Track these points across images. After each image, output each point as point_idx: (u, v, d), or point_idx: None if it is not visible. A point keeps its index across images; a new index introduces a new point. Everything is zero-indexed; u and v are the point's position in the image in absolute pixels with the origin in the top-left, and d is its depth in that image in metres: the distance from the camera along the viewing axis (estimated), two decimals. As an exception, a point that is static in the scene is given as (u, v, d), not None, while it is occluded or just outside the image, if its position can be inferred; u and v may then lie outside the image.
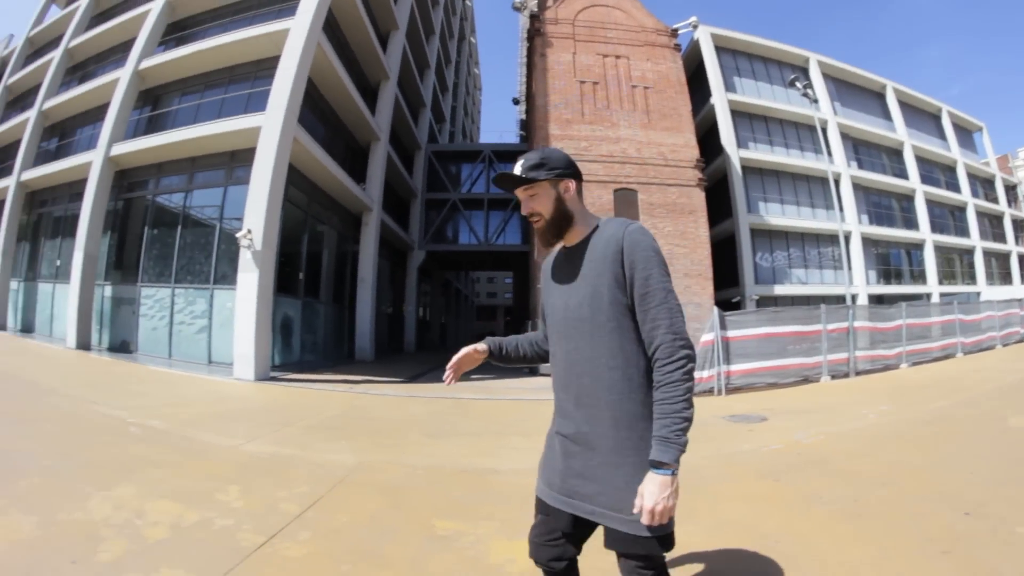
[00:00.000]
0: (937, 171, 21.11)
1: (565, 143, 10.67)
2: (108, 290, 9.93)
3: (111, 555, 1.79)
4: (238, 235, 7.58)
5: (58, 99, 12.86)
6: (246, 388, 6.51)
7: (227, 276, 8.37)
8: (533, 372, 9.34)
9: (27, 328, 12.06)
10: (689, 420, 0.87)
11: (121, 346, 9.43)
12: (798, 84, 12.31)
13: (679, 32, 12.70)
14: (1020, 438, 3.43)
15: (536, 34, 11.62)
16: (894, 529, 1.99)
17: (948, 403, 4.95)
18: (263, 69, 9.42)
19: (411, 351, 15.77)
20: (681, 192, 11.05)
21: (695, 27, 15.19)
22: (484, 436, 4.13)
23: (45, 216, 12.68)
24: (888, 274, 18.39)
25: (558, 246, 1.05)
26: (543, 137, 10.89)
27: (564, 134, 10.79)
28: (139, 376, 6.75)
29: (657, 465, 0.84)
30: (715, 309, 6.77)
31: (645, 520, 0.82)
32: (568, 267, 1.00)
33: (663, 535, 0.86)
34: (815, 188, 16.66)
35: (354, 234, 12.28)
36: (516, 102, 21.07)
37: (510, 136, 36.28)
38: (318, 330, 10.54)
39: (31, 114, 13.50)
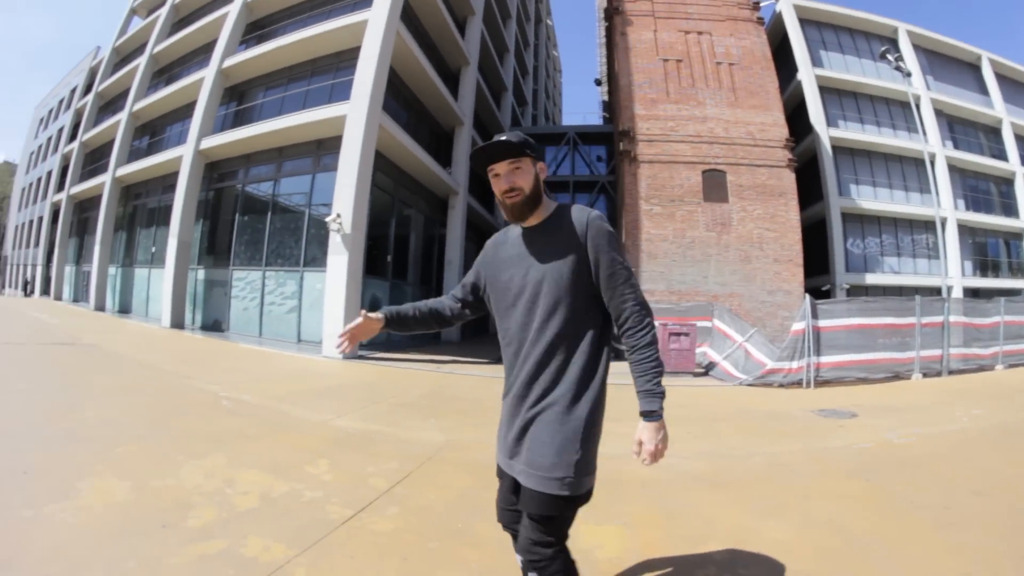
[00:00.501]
0: None
1: (651, 123, 10.16)
2: (201, 273, 10.36)
3: (200, 521, 1.78)
4: (328, 219, 7.63)
5: (146, 101, 13.69)
6: (335, 366, 6.51)
7: (317, 259, 8.47)
8: (618, 357, 8.87)
9: (124, 310, 12.88)
10: (661, 372, 1.01)
11: (213, 325, 9.80)
12: (889, 56, 11.17)
13: (761, 5, 11.84)
14: None
15: (615, 13, 11.14)
16: (987, 542, 1.85)
17: None
18: (344, 60, 9.52)
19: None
20: (771, 173, 10.24)
21: (780, -1, 14.21)
22: None
23: (140, 207, 13.52)
24: (985, 266, 16.45)
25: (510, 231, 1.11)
26: (628, 117, 10.41)
27: (649, 114, 10.27)
28: (231, 353, 6.92)
29: (648, 415, 0.99)
30: (807, 297, 6.37)
31: (648, 461, 0.98)
32: (530, 246, 1.03)
33: (580, 494, 0.95)
34: (908, 169, 15.09)
35: (440, 217, 12.32)
36: (598, 83, 20.60)
37: (593, 118, 35.80)
38: None
39: (122, 116, 14.47)
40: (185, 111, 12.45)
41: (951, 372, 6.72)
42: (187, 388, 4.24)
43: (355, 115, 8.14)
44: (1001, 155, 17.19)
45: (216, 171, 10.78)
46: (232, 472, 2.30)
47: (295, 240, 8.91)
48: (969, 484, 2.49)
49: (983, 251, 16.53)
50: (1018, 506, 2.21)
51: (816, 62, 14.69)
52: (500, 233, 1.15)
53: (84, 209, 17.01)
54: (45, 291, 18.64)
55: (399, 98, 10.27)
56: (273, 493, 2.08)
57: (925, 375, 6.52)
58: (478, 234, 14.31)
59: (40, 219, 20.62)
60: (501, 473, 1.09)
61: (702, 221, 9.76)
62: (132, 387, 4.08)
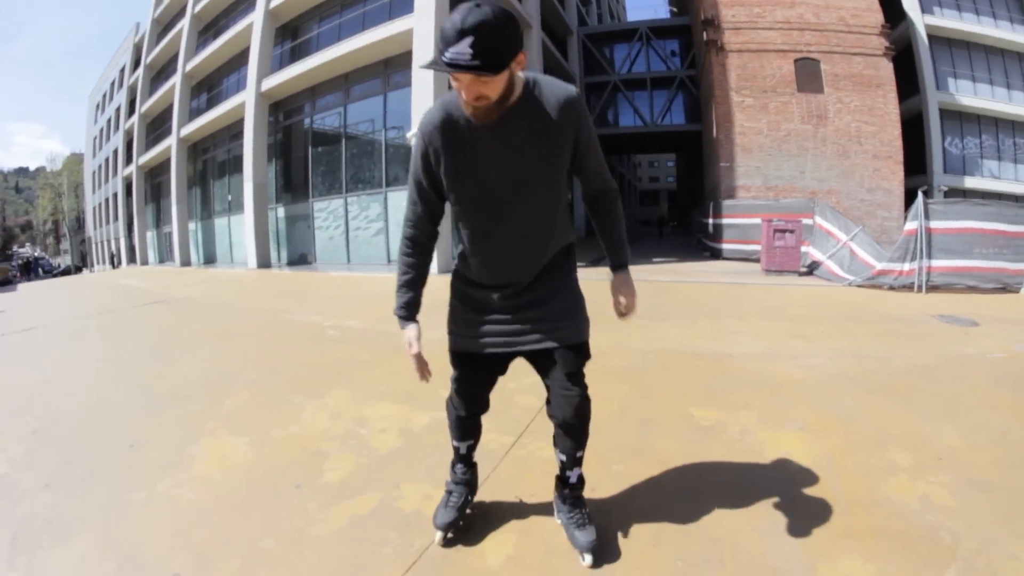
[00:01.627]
0: None
1: (736, 10, 9.21)
2: (281, 211, 10.62)
3: (339, 473, 1.51)
4: (408, 134, 7.48)
5: (197, 59, 13.72)
6: (434, 281, 6.47)
7: (399, 178, 8.41)
8: (715, 256, 8.56)
9: (209, 260, 13.57)
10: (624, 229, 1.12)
11: (300, 259, 10.11)
12: None
13: None
14: None
15: None
16: None
17: None
18: None
19: (581, 236, 15.57)
20: (867, 62, 9.15)
21: None
22: (699, 319, 3.86)
23: (209, 161, 13.89)
24: None
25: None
26: (711, 4, 9.46)
27: (734, 0, 9.26)
28: (323, 282, 6.92)
29: (623, 266, 1.08)
30: (920, 195, 5.91)
31: (632, 312, 1.08)
32: (505, 132, 0.89)
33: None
34: (1011, 65, 13.18)
35: None
36: None
37: (660, 11, 34.24)
38: None
39: (176, 79, 14.64)
40: (239, 60, 12.40)
41: None
42: (288, 324, 3.98)
43: (423, 25, 7.76)
44: None
45: (281, 110, 10.78)
46: (360, 408, 2.04)
47: (374, 163, 8.86)
48: None
49: None
50: None
51: None
52: (440, 111, 0.91)
53: (155, 175, 17.73)
54: (131, 259, 19.94)
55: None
56: (414, 427, 1.82)
57: None
58: None
59: (115, 195, 21.77)
60: (481, 361, 1.07)
61: (797, 113, 8.94)
62: (231, 332, 3.82)
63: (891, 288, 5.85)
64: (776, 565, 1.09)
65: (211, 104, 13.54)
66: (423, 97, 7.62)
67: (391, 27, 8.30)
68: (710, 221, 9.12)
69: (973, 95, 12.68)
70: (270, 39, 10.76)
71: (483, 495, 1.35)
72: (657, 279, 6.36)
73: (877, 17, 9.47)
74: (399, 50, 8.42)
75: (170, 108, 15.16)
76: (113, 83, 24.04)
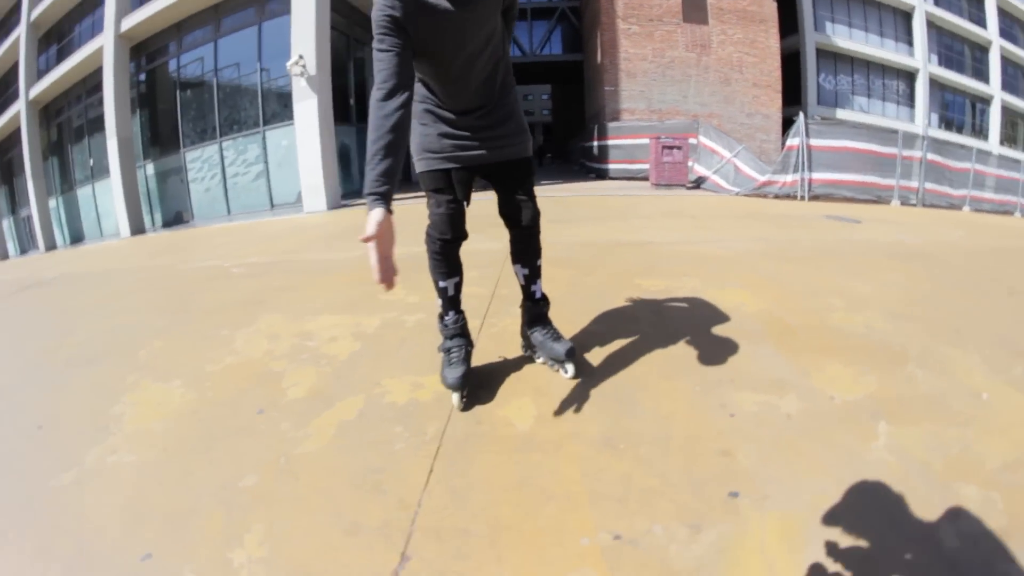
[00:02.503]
0: (1018, 29, 18.61)
1: None
2: (150, 168, 9.48)
3: (303, 387, 1.34)
4: (288, 64, 6.91)
5: (44, 3, 11.77)
6: (324, 217, 6.12)
7: (277, 114, 7.76)
8: (600, 176, 8.82)
9: (77, 239, 11.90)
10: None
11: (176, 218, 9.12)
12: None
13: None
14: None
15: None
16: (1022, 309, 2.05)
17: (1021, 243, 4.69)
18: None
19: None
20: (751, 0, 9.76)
21: None
22: (608, 221, 4.02)
23: (64, 124, 12.09)
24: (949, 122, 16.88)
25: None
26: None
27: None
28: (208, 235, 6.23)
29: None
30: (800, 115, 6.63)
31: None
32: None
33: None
34: (885, 17, 14.84)
35: None
36: None
37: None
38: None
39: (20, 31, 12.48)
40: (92, 1, 10.79)
41: (925, 205, 7.13)
42: (183, 273, 3.54)
43: None
44: (980, 22, 17.07)
45: (143, 52, 9.53)
46: (299, 325, 1.81)
47: (249, 101, 8.10)
48: (982, 272, 2.72)
49: (950, 108, 16.91)
50: None
51: None
52: None
53: (4, 151, 15.15)
54: (-14, 255, 17.05)
55: None
56: (367, 330, 1.68)
57: (902, 203, 6.91)
58: None
59: (-42, 182, 18.40)
60: (454, 178, 1.18)
61: (681, 42, 9.39)
62: (121, 292, 3.27)
63: (776, 197, 6.47)
64: (779, 376, 1.29)
65: (62, 56, 11.71)
66: (304, 24, 7.06)
67: None
68: (595, 144, 9.38)
69: (848, 39, 14.13)
70: None
71: (475, 365, 1.32)
72: (553, 196, 6.42)
73: (760, -42, 10.10)
74: None
75: (15, 68, 12.92)
76: (-52, 49, 20.15)
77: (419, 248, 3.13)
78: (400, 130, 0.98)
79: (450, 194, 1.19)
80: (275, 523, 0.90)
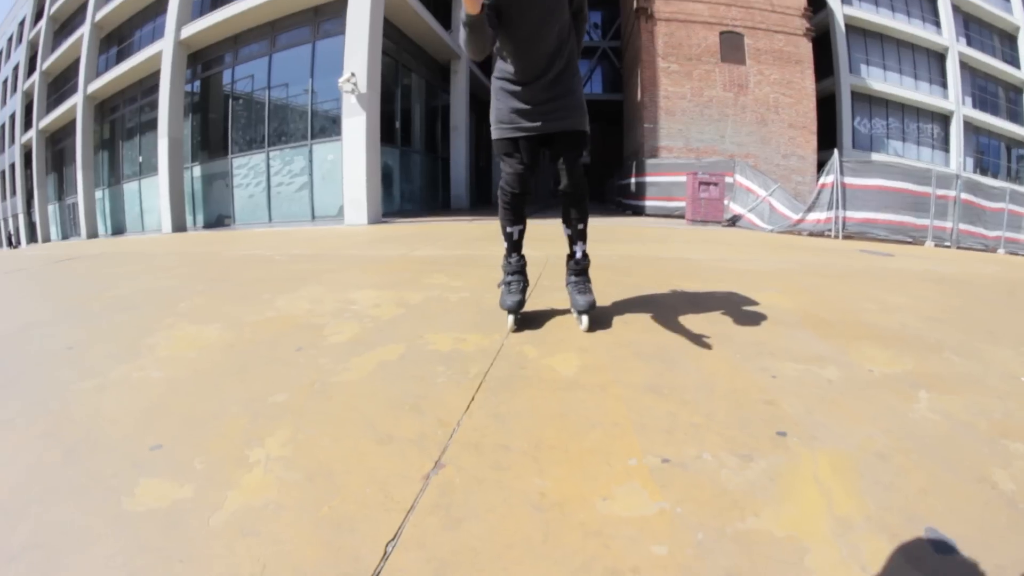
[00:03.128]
0: None
1: None
2: (197, 170, 9.89)
3: (344, 336, 1.36)
4: (340, 81, 7.20)
5: (109, 6, 12.49)
6: (365, 229, 6.28)
7: (325, 129, 8.08)
8: (637, 213, 8.86)
9: (118, 230, 12.40)
10: None
11: (217, 221, 9.47)
12: None
13: None
14: None
15: None
16: None
17: None
18: None
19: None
20: (788, 40, 9.92)
21: None
22: (647, 243, 4.13)
23: (118, 121, 12.69)
24: (984, 167, 16.62)
25: None
26: None
27: None
28: (249, 236, 6.48)
29: None
30: (835, 152, 6.64)
31: None
32: None
33: None
34: (919, 58, 14.85)
35: (442, 84, 11.87)
36: None
37: None
38: (415, 179, 10.37)
39: (84, 30, 13.26)
40: (155, 8, 11.39)
41: (959, 247, 7.04)
42: (227, 258, 3.55)
43: None
44: (1014, 62, 16.89)
45: (200, 60, 10.04)
46: (343, 294, 1.84)
47: (299, 115, 8.45)
48: (1019, 295, 2.77)
49: (984, 150, 16.66)
50: None
51: None
52: None
53: (57, 140, 15.97)
54: (32, 238, 17.85)
55: None
56: (411, 302, 1.71)
57: (936, 244, 6.86)
58: (480, 105, 13.55)
59: (11, 166, 19.39)
60: (519, 146, 1.41)
61: (719, 81, 9.54)
62: (162, 267, 3.32)
63: (810, 234, 6.53)
64: (818, 352, 1.32)
65: (121, 58, 12.37)
66: (357, 43, 7.37)
67: None
68: (632, 180, 9.49)
69: (883, 81, 14.10)
70: None
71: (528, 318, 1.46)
72: (591, 225, 6.56)
73: (800, 1, 10.26)
74: None
75: (76, 64, 13.71)
76: (11, 39, 21.40)
77: (461, 252, 3.21)
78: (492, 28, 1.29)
79: (518, 157, 1.43)
80: (301, 430, 0.87)
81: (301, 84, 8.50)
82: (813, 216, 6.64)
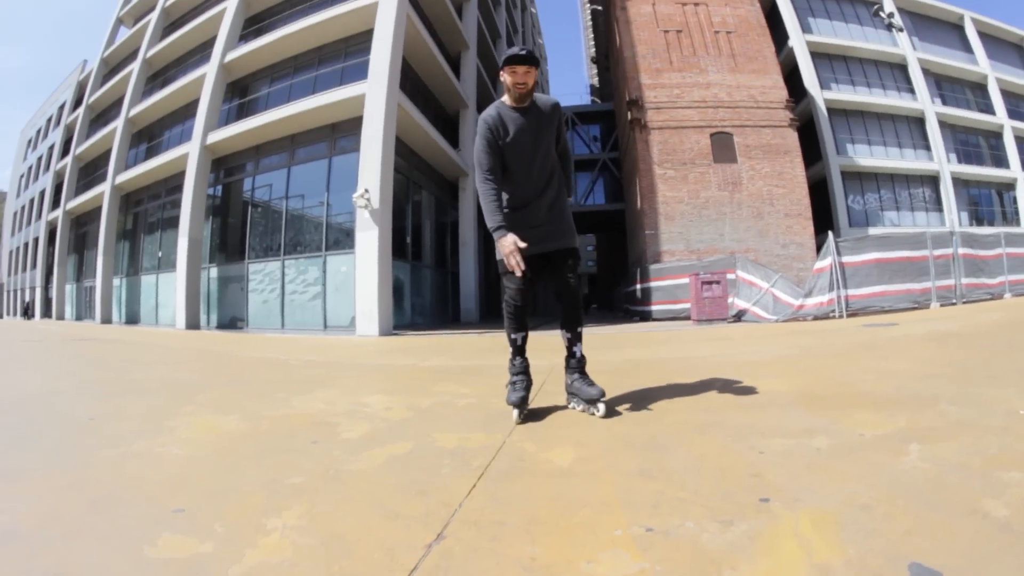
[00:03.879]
0: None
1: (657, 91, 10.40)
2: (214, 272, 10.19)
3: (356, 433, 1.47)
4: (354, 196, 7.57)
5: (143, 105, 13.48)
6: (376, 340, 6.36)
7: (339, 242, 8.39)
8: (644, 319, 8.93)
9: (132, 320, 12.61)
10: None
11: (230, 323, 9.63)
12: (881, 14, 11.37)
13: (750, -26, 12.06)
14: None
15: None
16: None
17: None
18: (352, 45, 9.50)
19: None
20: (775, 133, 10.44)
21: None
22: (652, 346, 4.27)
23: (141, 215, 13.28)
24: (979, 215, 16.92)
25: (496, 111, 1.66)
26: (635, 87, 10.58)
27: (655, 83, 10.49)
28: (263, 340, 6.65)
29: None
30: (830, 234, 6.83)
31: None
32: (528, 120, 1.64)
33: None
34: (900, 127, 15.54)
35: (451, 200, 12.38)
36: (595, 61, 21.41)
37: (577, 99, 38.55)
38: (426, 293, 10.58)
39: (118, 123, 14.24)
40: (184, 112, 12.30)
41: (965, 302, 7.11)
42: (242, 359, 3.77)
43: (375, 91, 8.11)
44: (988, 109, 17.68)
45: (223, 166, 10.65)
46: (355, 398, 1.98)
47: (314, 227, 8.81)
48: (1021, 338, 2.93)
49: (976, 201, 17.05)
50: None
51: (805, 28, 15.05)
52: (492, 114, 1.63)
53: (82, 224, 16.66)
54: (47, 313, 18.20)
55: (407, 80, 10.27)
56: (421, 405, 1.84)
57: (942, 304, 6.94)
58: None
59: (36, 240, 20.15)
60: (526, 263, 1.56)
61: (714, 182, 9.94)
62: (177, 360, 3.55)
63: (815, 318, 6.54)
64: (808, 426, 1.36)
65: (150, 154, 13.18)
66: (371, 161, 7.79)
67: (344, 91, 8.57)
68: (637, 287, 9.64)
69: (869, 156, 14.66)
70: (220, 93, 10.80)
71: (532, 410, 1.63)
72: (599, 333, 6.57)
73: (782, 94, 10.92)
74: (348, 115, 8.69)
75: (107, 153, 14.59)
76: (50, 120, 22.96)
77: (469, 362, 3.30)
78: (500, 199, 1.60)
79: (522, 277, 1.59)
80: (316, 506, 0.95)
81: (317, 196, 8.94)
82: (815, 300, 6.69)
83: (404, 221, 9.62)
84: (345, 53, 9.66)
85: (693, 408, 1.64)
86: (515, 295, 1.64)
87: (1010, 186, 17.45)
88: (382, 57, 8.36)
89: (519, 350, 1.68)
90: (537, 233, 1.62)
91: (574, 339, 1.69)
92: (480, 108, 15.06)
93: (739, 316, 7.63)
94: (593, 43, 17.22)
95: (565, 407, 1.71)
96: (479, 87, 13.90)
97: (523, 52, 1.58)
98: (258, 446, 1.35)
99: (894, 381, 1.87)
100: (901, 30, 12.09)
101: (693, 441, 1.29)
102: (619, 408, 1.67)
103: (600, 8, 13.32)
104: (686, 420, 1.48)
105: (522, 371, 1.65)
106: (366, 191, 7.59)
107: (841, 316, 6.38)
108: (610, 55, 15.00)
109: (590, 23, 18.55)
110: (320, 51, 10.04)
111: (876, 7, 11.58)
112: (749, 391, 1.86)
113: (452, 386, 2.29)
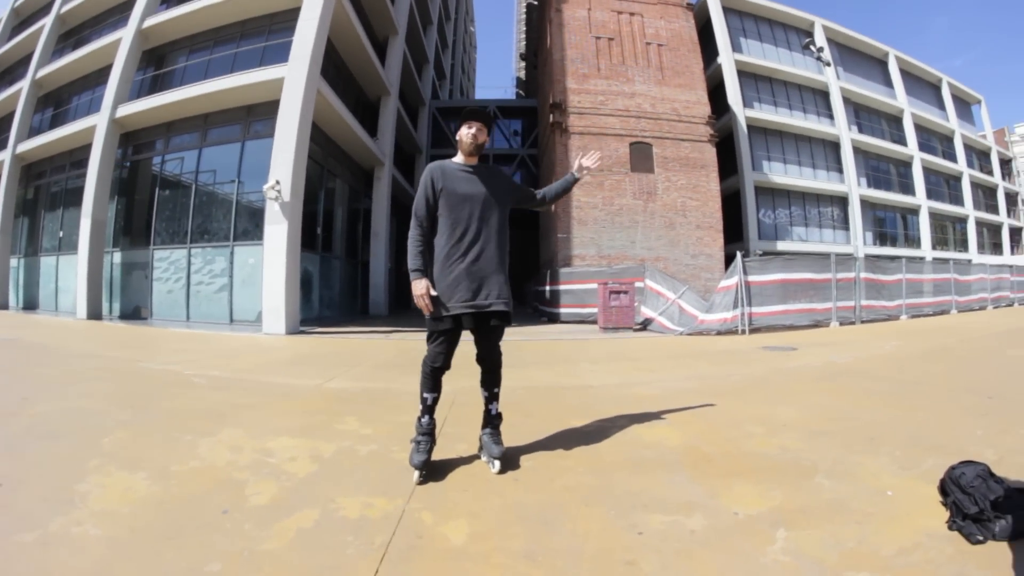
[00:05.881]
0: (935, 140, 21.25)
1: (582, 96, 10.41)
2: (117, 257, 9.37)
3: (265, 496, 1.46)
4: (265, 187, 7.15)
5: (52, 67, 11.98)
6: (283, 340, 6.12)
7: (248, 232, 7.92)
8: (552, 320, 9.14)
9: (30, 305, 11.42)
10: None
11: (134, 312, 8.94)
12: (812, 47, 11.95)
13: (689, -10, 12.29)
14: (1018, 361, 3.96)
15: None
16: (938, 406, 2.48)
17: (952, 341, 5.49)
18: (278, 22, 8.85)
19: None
20: (694, 147, 10.82)
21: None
22: (555, 364, 4.21)
23: (43, 188, 11.92)
24: (884, 237, 18.62)
25: (454, 162, 1.75)
26: (560, 90, 10.55)
27: (581, 88, 10.50)
28: (166, 337, 6.28)
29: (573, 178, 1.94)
30: (738, 255, 7.09)
31: (595, 160, 1.93)
32: (475, 178, 1.71)
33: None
34: (816, 149, 16.68)
35: (366, 189, 11.95)
36: (523, 58, 21.19)
37: (502, 93, 37.83)
38: (335, 285, 10.25)
39: (23, 84, 12.59)
40: (96, 78, 11.04)
41: (863, 322, 7.65)
42: (144, 371, 3.62)
43: (294, 77, 7.62)
44: (901, 141, 19.42)
45: (132, 142, 9.71)
46: (260, 442, 1.95)
47: (223, 214, 8.26)
48: (909, 380, 3.17)
49: (882, 224, 18.75)
50: (951, 388, 2.96)
51: (736, 48, 15.65)
52: (438, 166, 1.70)
53: (-22, 195, 14.73)
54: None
55: (330, 64, 9.68)
56: (324, 454, 1.82)
57: (842, 323, 7.42)
58: (400, 209, 13.97)
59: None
60: (452, 323, 1.64)
61: (629, 190, 10.19)
62: (82, 376, 3.33)
63: (718, 333, 6.68)
64: (689, 499, 1.42)
65: (55, 123, 11.78)
66: (284, 151, 7.36)
67: (263, 73, 7.97)
68: (547, 288, 9.74)
69: (784, 174, 15.61)
70: (135, 61, 9.73)
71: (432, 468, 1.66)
72: (506, 339, 6.65)
73: (706, 110, 11.30)
74: (265, 98, 8.11)
75: (9, 117, 12.89)
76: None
77: (372, 384, 3.25)
78: (427, 250, 1.66)
79: (444, 336, 1.65)
80: None
81: (227, 182, 8.36)
82: (720, 316, 6.86)
83: (316, 207, 9.22)
84: (269, 30, 8.99)
85: (585, 467, 1.68)
86: (434, 357, 1.65)
87: (915, 211, 19.33)
88: (306, 39, 7.86)
89: (428, 410, 1.67)
90: (468, 289, 1.61)
91: (491, 398, 1.73)
92: (404, 96, 14.47)
93: (645, 325, 7.82)
94: (524, 38, 17.14)
95: (463, 457, 1.79)
96: (404, 74, 13.41)
97: (482, 109, 1.73)
98: (173, 519, 1.33)
99: (780, 438, 1.95)
100: (829, 64, 12.76)
101: (579, 515, 1.33)
102: (520, 460, 1.74)
103: (536, 3, 13.05)
104: (576, 485, 1.53)
105: (428, 432, 1.64)
106: (277, 183, 7.18)
107: (744, 332, 6.55)
108: (539, 53, 14.78)
109: (524, 16, 18.38)
110: (244, 25, 9.28)
111: (808, 41, 12.11)
112: (640, 444, 1.91)
113: (355, 423, 2.24)
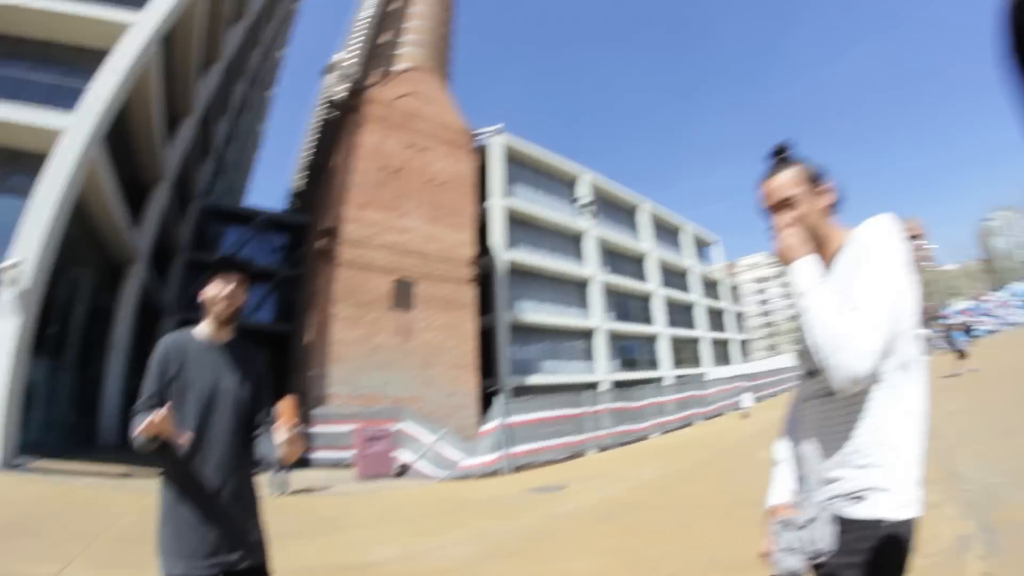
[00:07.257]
0: (674, 276, 41.69)
1: (355, 225, 17.61)
2: None
3: None
4: (1, 265, 8.90)
5: None
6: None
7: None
8: (303, 465, 14.09)
9: None
10: None
11: None
12: (582, 204, 24.31)
13: (478, 136, 23.00)
14: (765, 463, 13.17)
15: (351, 110, 18.78)
16: (721, 525, 4.72)
17: (706, 455, 9.13)
18: (84, 62, 11.91)
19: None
20: (455, 288, 19.90)
21: (499, 134, 27.06)
22: (327, 533, 5.81)
23: None
24: (629, 362, 34.51)
25: (180, 334, 2.20)
26: (335, 216, 17.40)
27: (356, 216, 17.67)
28: None
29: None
30: (502, 397, 12.55)
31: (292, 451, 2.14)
32: (223, 359, 2.17)
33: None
34: (569, 288, 31.15)
35: (111, 286, 14.71)
36: (307, 168, 29.80)
37: (275, 201, 44.73)
38: (62, 402, 12.38)
39: None
40: None
41: (620, 445, 13.30)
42: None
43: (78, 133, 10.43)
44: (643, 278, 37.61)
45: None
46: None
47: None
48: (681, 504, 5.29)
49: (627, 351, 34.73)
50: (723, 503, 5.31)
51: (508, 193, 27.83)
52: (175, 338, 2.12)
53: None
54: None
55: (117, 129, 12.67)
56: None
57: (601, 450, 12.44)
58: (145, 312, 17.34)
59: None
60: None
61: (388, 328, 17.35)
62: None
63: (481, 476, 9.91)
64: None
65: None
66: (42, 217, 9.51)
67: (42, 116, 10.39)
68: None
69: (537, 312, 28.53)
70: None
71: None
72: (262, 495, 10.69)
73: (470, 252, 21.16)
74: (32, 147, 10.45)
75: None
76: None
77: (109, 572, 4.72)
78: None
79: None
80: None
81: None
82: (481, 459, 10.98)
83: (50, 305, 11.21)
84: (68, 65, 12.11)
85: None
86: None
87: (653, 339, 37.07)
88: (102, 92, 10.99)
89: None
90: (217, 534, 1.95)
91: None
92: (181, 183, 19.70)
93: (403, 471, 11.67)
94: (314, 148, 25.68)
95: None
96: (185, 160, 18.53)
97: (244, 260, 2.08)
98: None
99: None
100: (595, 216, 26.03)
101: None
102: None
103: (335, 117, 19.81)
104: None
105: None
106: (16, 264, 9.06)
107: (507, 472, 10.00)
108: (322, 169, 22.10)
109: (316, 125, 27.27)
110: (46, 47, 12.16)
111: (576, 200, 24.49)
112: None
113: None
